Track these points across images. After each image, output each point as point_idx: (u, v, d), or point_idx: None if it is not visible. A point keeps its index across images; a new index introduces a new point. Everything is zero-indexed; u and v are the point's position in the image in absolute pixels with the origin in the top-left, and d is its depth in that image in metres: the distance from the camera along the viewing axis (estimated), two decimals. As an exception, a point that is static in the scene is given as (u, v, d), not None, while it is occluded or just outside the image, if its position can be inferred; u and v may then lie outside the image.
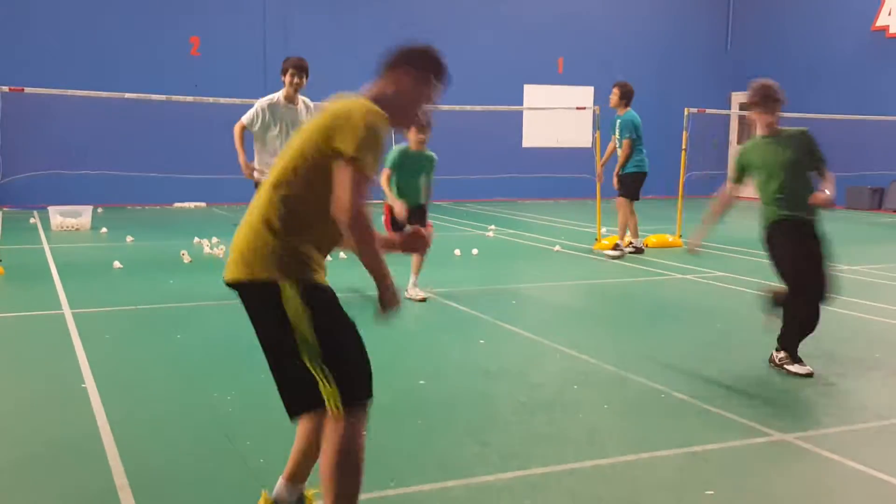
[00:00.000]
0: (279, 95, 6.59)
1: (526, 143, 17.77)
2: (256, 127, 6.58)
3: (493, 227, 11.74)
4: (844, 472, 3.39)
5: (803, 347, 4.81)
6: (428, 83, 2.56)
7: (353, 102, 2.40)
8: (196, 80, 14.57)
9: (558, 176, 17.31)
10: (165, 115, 14.65)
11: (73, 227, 11.22)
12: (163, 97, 10.53)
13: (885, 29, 15.76)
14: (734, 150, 19.46)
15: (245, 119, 6.81)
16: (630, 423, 3.98)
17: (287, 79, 6.50)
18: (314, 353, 2.35)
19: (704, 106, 13.68)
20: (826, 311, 6.17)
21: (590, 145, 15.80)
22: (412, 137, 6.26)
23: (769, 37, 18.23)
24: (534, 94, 17.51)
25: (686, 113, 10.34)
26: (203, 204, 15.14)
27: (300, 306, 2.34)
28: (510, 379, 4.57)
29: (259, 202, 2.48)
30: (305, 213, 2.40)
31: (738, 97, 19.12)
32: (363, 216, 2.29)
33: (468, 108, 13.81)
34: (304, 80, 6.54)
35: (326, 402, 2.35)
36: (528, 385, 4.38)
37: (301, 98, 6.68)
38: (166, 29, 14.96)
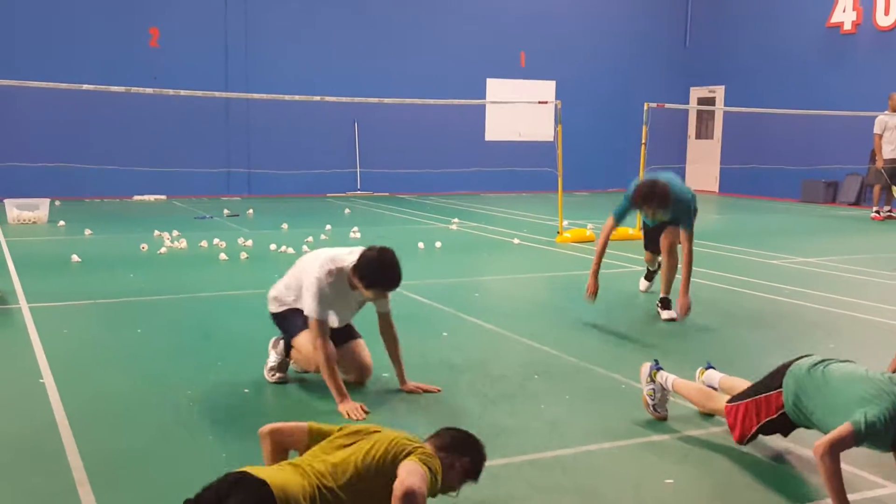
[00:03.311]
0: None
1: (489, 136, 17.83)
2: None
3: (456, 220, 11.77)
4: (800, 458, 3.48)
5: (761, 340, 4.91)
6: (469, 477, 2.80)
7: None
8: (155, 73, 14.35)
9: (521, 169, 17.41)
10: (124, 107, 14.43)
11: (30, 220, 11.01)
12: (121, 89, 10.36)
13: (839, 26, 16.09)
14: (692, 144, 19.75)
15: None
16: (590, 413, 4.04)
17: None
18: None
19: (664, 100, 13.85)
20: (780, 304, 6.30)
21: (552, 139, 15.91)
22: None
23: (727, 34, 18.50)
24: (496, 87, 17.56)
25: (646, 107, 10.46)
26: (163, 197, 14.94)
27: None
28: (473, 371, 4.61)
29: None
30: None
31: (697, 92, 19.38)
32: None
33: (431, 101, 13.82)
34: None
35: None
36: (490, 377, 4.42)
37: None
38: (125, 20, 14.71)
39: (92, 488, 3.03)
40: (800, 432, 3.68)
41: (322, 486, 2.43)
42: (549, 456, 3.46)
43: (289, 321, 4.37)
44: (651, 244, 6.58)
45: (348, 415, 3.79)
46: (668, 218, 5.87)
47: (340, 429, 2.76)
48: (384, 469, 2.53)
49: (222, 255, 8.38)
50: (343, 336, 4.32)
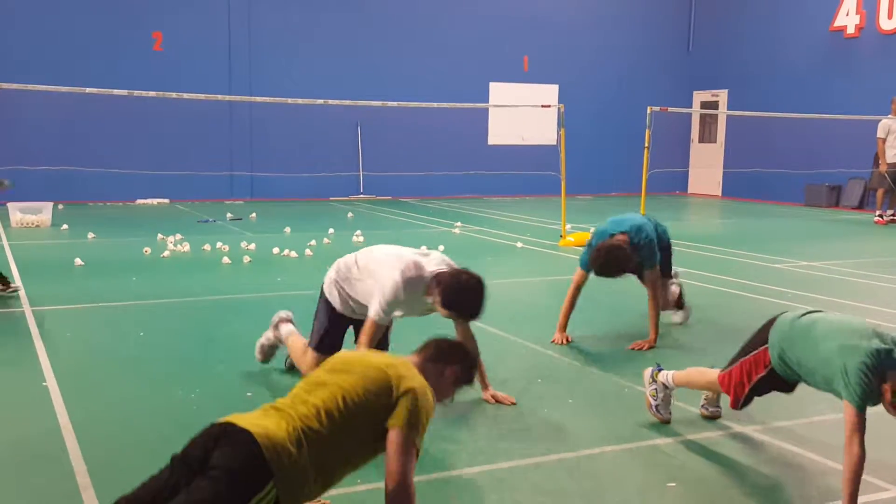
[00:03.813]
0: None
1: (491, 140, 17.84)
2: None
3: (459, 223, 11.77)
4: (802, 461, 3.48)
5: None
6: (461, 382, 2.86)
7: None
8: (160, 76, 14.39)
9: (523, 173, 17.41)
10: (127, 111, 14.45)
11: (33, 223, 11.03)
12: (125, 92, 10.39)
13: (842, 29, 16.08)
14: (695, 147, 19.74)
15: None
16: (594, 416, 4.04)
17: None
18: None
19: (667, 104, 13.85)
20: (784, 308, 6.29)
21: (555, 143, 15.91)
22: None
23: (730, 38, 18.50)
24: (499, 91, 17.58)
25: (649, 111, 10.45)
26: (166, 201, 14.96)
27: None
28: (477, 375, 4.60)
29: None
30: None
31: (700, 96, 19.38)
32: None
33: (434, 105, 13.83)
34: None
35: None
36: (494, 381, 4.42)
37: None
38: (129, 24, 14.74)
39: (95, 492, 3.04)
40: (800, 435, 3.67)
41: (307, 427, 2.40)
42: (553, 459, 3.45)
43: (323, 307, 4.33)
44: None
45: None
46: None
47: (323, 363, 2.73)
48: (368, 408, 2.49)
49: (225, 259, 8.39)
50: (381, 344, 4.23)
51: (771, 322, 3.41)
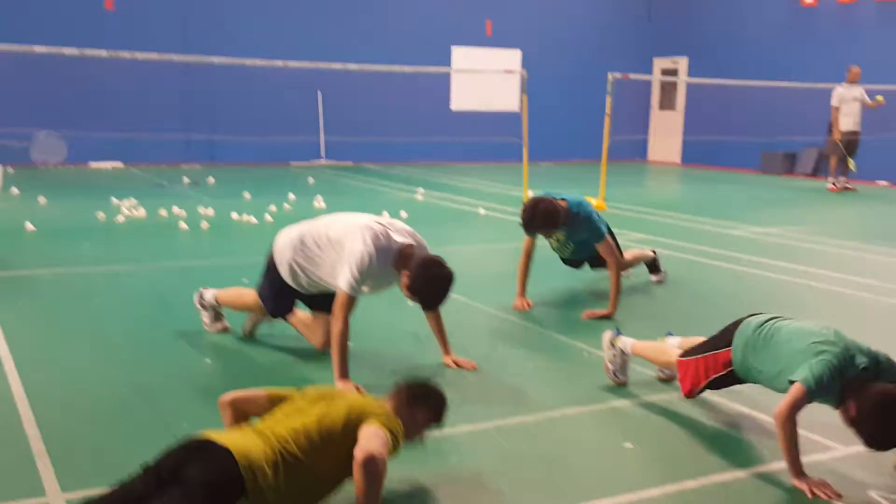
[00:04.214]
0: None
1: (454, 105, 17.74)
2: None
3: (421, 190, 11.73)
4: (755, 422, 3.57)
5: (720, 309, 4.98)
6: (431, 424, 2.91)
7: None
8: (112, 35, 13.98)
9: (486, 139, 17.37)
10: (79, 71, 14.04)
11: (-19, 187, 10.72)
12: (76, 51, 10.07)
13: (800, -2, 16.22)
14: (655, 115, 19.86)
15: None
16: (553, 380, 4.09)
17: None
18: None
19: (628, 71, 13.87)
20: (739, 273, 6.41)
21: (517, 109, 15.87)
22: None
23: (691, 5, 18.57)
24: (462, 56, 17.45)
25: (610, 78, 10.47)
26: (120, 164, 14.64)
27: None
28: (437, 340, 4.61)
29: None
30: None
31: (661, 63, 19.46)
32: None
33: (395, 68, 13.68)
34: None
35: None
36: (455, 347, 4.43)
37: None
38: (78, -20, 14.28)
39: (51, 460, 2.99)
40: (754, 398, 3.76)
41: (285, 451, 2.43)
42: (513, 423, 3.49)
43: (271, 276, 4.26)
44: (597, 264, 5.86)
45: None
46: (570, 238, 5.49)
47: (302, 393, 2.76)
48: (345, 433, 2.54)
49: (182, 225, 8.26)
50: (327, 304, 4.17)
51: (736, 324, 3.42)
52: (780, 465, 3.05)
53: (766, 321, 3.33)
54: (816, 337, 3.09)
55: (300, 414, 2.59)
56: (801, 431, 3.02)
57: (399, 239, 3.93)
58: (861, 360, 3.00)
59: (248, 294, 4.48)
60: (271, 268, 4.25)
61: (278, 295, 4.29)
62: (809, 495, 2.84)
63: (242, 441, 2.39)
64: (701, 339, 3.85)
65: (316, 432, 2.51)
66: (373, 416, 2.61)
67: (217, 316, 4.68)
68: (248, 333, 4.62)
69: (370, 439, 2.49)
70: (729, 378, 3.42)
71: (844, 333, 3.13)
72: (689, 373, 3.51)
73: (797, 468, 2.94)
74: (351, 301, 3.86)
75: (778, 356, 3.15)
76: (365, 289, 3.95)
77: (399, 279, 3.92)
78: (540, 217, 5.08)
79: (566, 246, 5.61)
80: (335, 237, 4.00)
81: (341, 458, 2.51)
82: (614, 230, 5.78)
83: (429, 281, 3.81)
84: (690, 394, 3.53)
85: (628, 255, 5.98)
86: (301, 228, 4.19)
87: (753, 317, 3.41)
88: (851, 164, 13.45)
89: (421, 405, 2.84)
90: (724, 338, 3.44)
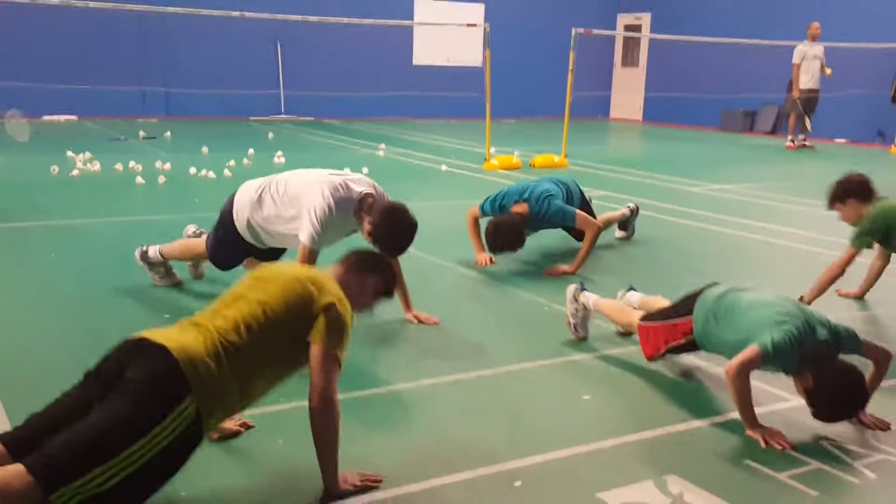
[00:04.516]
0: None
1: (416, 60, 17.54)
2: None
3: (383, 146, 11.63)
4: (711, 374, 3.64)
5: (679, 264, 5.05)
6: (380, 293, 2.84)
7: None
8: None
9: (448, 94, 17.24)
10: (31, 21, 13.57)
11: (-73, 140, 10.37)
12: (26, 0, 9.71)
13: (763, -44, 16.23)
14: (618, 72, 19.85)
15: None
16: (514, 335, 4.12)
17: None
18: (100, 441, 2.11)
19: (592, 27, 13.80)
20: (698, 230, 6.48)
21: (480, 64, 15.75)
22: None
23: (656, -41, 18.48)
24: (424, 8, 17.20)
25: (573, 33, 10.41)
26: (74, 117, 14.26)
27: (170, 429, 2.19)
28: (399, 295, 4.62)
29: None
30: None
31: (624, 19, 19.40)
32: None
33: (356, 20, 13.44)
34: None
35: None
36: (417, 302, 4.43)
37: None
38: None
39: (7, 415, 2.95)
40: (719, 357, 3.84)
41: (225, 340, 2.37)
42: (473, 376, 3.52)
43: (225, 231, 4.22)
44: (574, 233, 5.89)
45: None
46: (538, 229, 5.54)
47: (241, 280, 2.67)
48: (288, 321, 2.47)
49: (139, 179, 8.10)
50: (277, 255, 4.28)
51: (696, 294, 3.45)
52: (735, 416, 3.13)
53: (727, 292, 3.36)
54: (778, 307, 3.12)
55: (240, 301, 2.50)
56: (756, 383, 3.09)
57: (358, 189, 3.92)
58: (822, 333, 3.04)
59: (195, 245, 4.45)
60: (227, 223, 4.21)
61: (230, 249, 4.28)
62: (763, 445, 2.92)
63: (179, 336, 2.34)
64: (660, 299, 3.91)
65: (255, 321, 2.43)
66: (319, 317, 2.48)
67: (167, 271, 4.63)
68: (199, 276, 4.62)
69: (320, 374, 2.43)
70: (688, 346, 3.47)
71: (805, 306, 3.19)
72: (650, 339, 3.55)
73: (751, 420, 3.02)
74: (313, 254, 3.87)
75: (737, 327, 3.18)
76: (325, 241, 3.94)
77: (361, 227, 3.91)
78: (502, 241, 5.13)
79: (533, 232, 5.62)
80: (293, 193, 3.99)
81: (287, 343, 2.47)
82: (581, 188, 5.83)
83: (392, 226, 3.80)
84: (651, 358, 3.58)
85: (602, 218, 6.00)
86: (259, 184, 4.15)
87: (713, 287, 3.44)
88: (808, 123, 13.61)
89: (371, 271, 2.78)
90: (684, 307, 3.47)
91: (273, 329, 2.45)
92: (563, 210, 5.38)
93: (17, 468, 2.02)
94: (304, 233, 3.86)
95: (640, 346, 3.62)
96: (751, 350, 3.00)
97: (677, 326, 3.45)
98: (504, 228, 5.12)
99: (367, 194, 3.94)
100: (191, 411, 2.23)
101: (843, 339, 3.09)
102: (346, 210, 3.88)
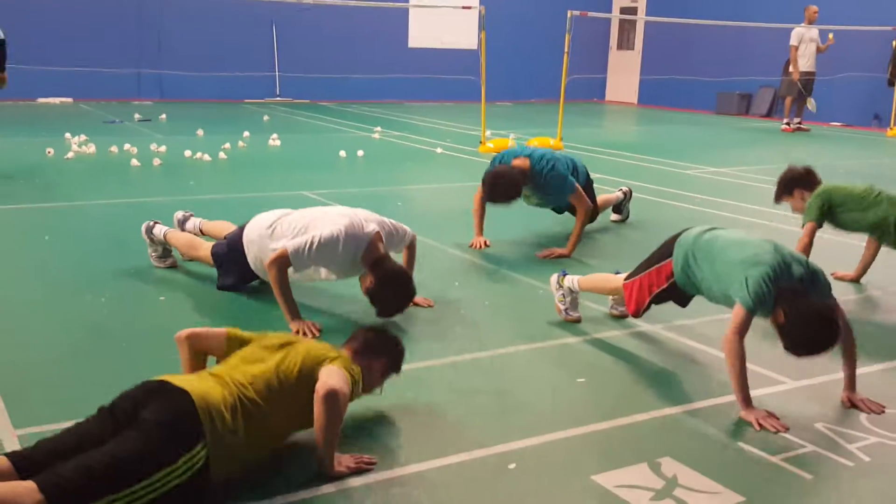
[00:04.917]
0: None
1: (412, 43, 17.45)
2: None
3: (378, 128, 11.60)
4: (704, 357, 3.67)
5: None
6: (389, 373, 2.93)
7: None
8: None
9: (444, 77, 17.17)
10: (28, 3, 13.46)
11: (-80, 123, 10.32)
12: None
13: (761, -63, 16.13)
14: (613, 55, 19.78)
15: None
16: (508, 318, 4.14)
17: None
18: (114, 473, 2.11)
19: (587, 9, 13.73)
20: (693, 213, 6.50)
21: (475, 47, 15.67)
22: None
23: (653, -59, 18.36)
24: (420, -9, 17.09)
25: (569, 15, 10.36)
26: (69, 100, 14.18)
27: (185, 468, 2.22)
28: (394, 278, 4.62)
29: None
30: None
31: (620, 2, 19.30)
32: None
33: (352, 2, 13.36)
34: None
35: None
36: (411, 284, 4.45)
37: None
38: None
39: (3, 401, 2.96)
40: (705, 334, 3.86)
41: (243, 395, 2.43)
42: (467, 359, 3.54)
43: (232, 262, 4.20)
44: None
45: (302, 333, 3.63)
46: (536, 193, 5.45)
47: (260, 337, 2.75)
48: (302, 379, 2.55)
49: (134, 161, 8.07)
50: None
51: (675, 237, 3.50)
52: (729, 399, 3.15)
53: (704, 231, 3.42)
54: (753, 248, 3.15)
55: (258, 360, 2.59)
56: (751, 366, 3.11)
57: (368, 228, 3.89)
58: (797, 270, 3.06)
59: (201, 246, 4.42)
60: (237, 249, 4.18)
61: (236, 273, 4.24)
62: (757, 427, 2.94)
63: (200, 384, 2.38)
64: (604, 274, 3.99)
65: (274, 379, 2.52)
66: (331, 360, 2.62)
67: (165, 252, 4.65)
68: (190, 258, 4.64)
69: (332, 376, 2.52)
70: (672, 291, 3.51)
71: (781, 244, 3.19)
72: (634, 293, 3.60)
73: (746, 401, 3.03)
74: (285, 262, 3.75)
75: (714, 265, 3.24)
76: (323, 271, 3.95)
77: (361, 280, 3.93)
78: (499, 191, 5.10)
79: (530, 199, 5.61)
80: (308, 220, 3.94)
81: (298, 404, 2.53)
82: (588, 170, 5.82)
83: (390, 294, 3.83)
84: (637, 313, 3.63)
85: (601, 199, 6.01)
86: (272, 218, 4.09)
87: (692, 228, 3.50)
88: (812, 103, 13.54)
89: (378, 354, 2.85)
90: (664, 251, 3.54)
91: (288, 391, 2.52)
92: (564, 177, 5.35)
93: (29, 485, 2.04)
94: (294, 241, 3.80)
95: (626, 306, 3.67)
96: (737, 313, 3.04)
97: (661, 270, 3.51)
98: (503, 179, 5.08)
99: (376, 236, 3.89)
100: (201, 458, 2.25)
101: (820, 284, 3.10)
102: (355, 247, 3.84)
